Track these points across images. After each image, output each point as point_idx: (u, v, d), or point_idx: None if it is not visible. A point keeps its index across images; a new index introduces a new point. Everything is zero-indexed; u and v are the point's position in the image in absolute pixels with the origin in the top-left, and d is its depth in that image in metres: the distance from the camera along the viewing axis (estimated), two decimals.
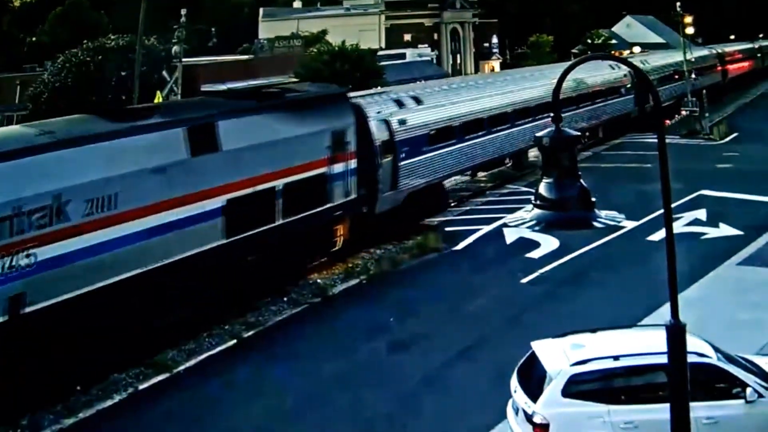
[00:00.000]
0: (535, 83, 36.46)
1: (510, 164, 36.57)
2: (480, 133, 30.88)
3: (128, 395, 15.64)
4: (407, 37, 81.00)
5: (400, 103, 26.39)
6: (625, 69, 44.31)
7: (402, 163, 25.41)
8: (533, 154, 35.65)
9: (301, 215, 20.86)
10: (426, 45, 77.08)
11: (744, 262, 21.24)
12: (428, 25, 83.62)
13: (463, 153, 29.73)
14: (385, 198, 24.69)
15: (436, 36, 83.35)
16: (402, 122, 25.67)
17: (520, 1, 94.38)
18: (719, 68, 71.75)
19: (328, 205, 22.08)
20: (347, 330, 18.36)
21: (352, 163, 22.99)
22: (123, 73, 37.05)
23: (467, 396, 14.54)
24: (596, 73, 42.01)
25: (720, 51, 74.57)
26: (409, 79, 43.51)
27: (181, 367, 16.78)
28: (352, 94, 25.57)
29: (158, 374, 16.43)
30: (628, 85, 46.00)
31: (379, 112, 24.99)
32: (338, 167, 22.36)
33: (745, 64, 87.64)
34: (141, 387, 15.96)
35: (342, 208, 22.65)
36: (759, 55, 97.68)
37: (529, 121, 34.36)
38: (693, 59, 58.43)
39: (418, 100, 27.51)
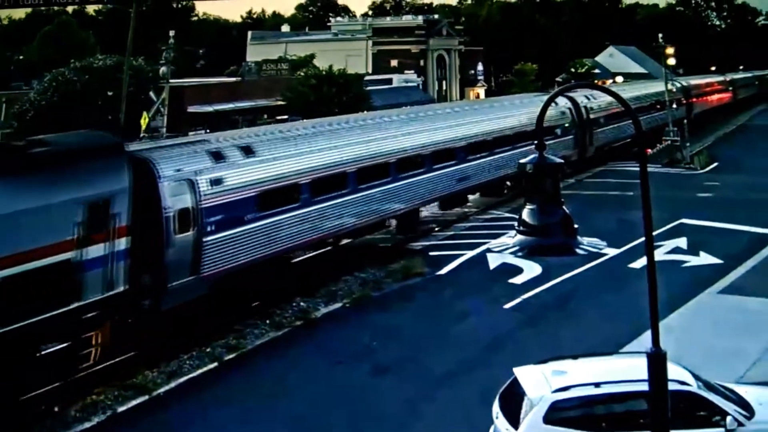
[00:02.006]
0: (446, 124, 31.01)
1: (393, 228, 29.58)
2: (343, 191, 24.15)
3: (107, 417, 15.52)
4: (394, 62, 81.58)
5: (217, 156, 20.29)
6: (564, 105, 39.98)
7: (210, 238, 19.26)
8: (429, 212, 32.77)
9: (23, 323, 15.08)
10: (412, 71, 77.59)
11: (724, 291, 21.34)
12: (415, 51, 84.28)
13: (315, 218, 22.99)
14: (177, 288, 18.50)
15: (422, 62, 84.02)
16: (216, 182, 19.67)
17: (506, 29, 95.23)
18: (684, 102, 65.64)
19: (75, 305, 16.15)
20: (330, 354, 18.26)
21: (122, 243, 17.08)
22: (110, 93, 37.02)
23: (449, 421, 14.48)
24: (523, 112, 36.61)
25: (685, 84, 68.58)
26: (396, 104, 43.48)
27: (161, 390, 16.66)
28: (144, 146, 20.80)
29: (138, 396, 16.32)
30: (566, 124, 40.47)
31: (179, 170, 18.94)
32: (95, 250, 16.50)
33: (715, 97, 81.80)
34: (120, 409, 15.83)
35: (99, 306, 16.70)
36: (731, 88, 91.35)
37: (422, 172, 28.35)
38: (648, 93, 55.84)
39: (248, 151, 21.38)
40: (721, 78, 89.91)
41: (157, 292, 18.17)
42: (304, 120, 29.09)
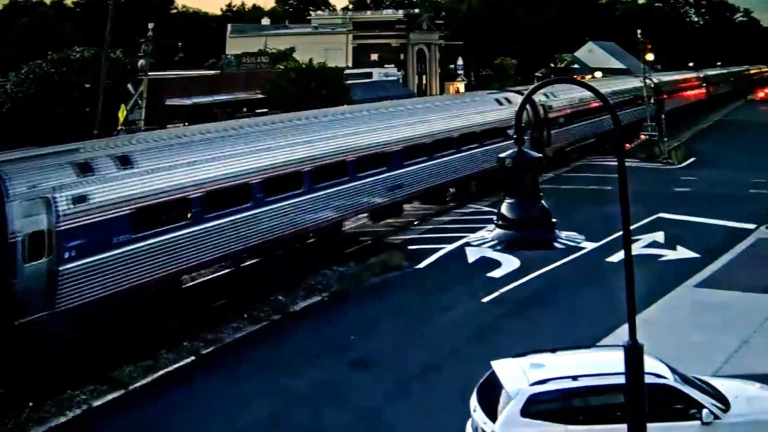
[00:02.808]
0: (376, 126, 27.88)
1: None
2: (245, 206, 21.24)
3: (82, 412, 15.39)
4: (374, 56, 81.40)
5: (85, 168, 17.62)
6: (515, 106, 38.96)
7: (68, 266, 16.70)
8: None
9: None
10: (392, 65, 77.43)
11: (701, 285, 21.48)
12: (395, 45, 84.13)
13: (208, 237, 20.03)
14: (27, 325, 16.18)
15: (402, 56, 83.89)
16: (80, 199, 17.11)
17: (486, 24, 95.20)
18: (654, 100, 61.72)
19: None
20: (308, 347, 18.21)
21: None
22: (87, 86, 36.65)
23: (427, 414, 14.48)
24: (472, 111, 34.47)
25: (656, 81, 64.97)
26: (375, 98, 43.21)
27: (138, 384, 16.53)
28: None
29: (114, 391, 16.19)
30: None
31: (33, 186, 16.45)
32: None
33: (688, 94, 79.31)
34: (96, 404, 15.69)
35: None
36: (704, 84, 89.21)
37: (344, 181, 24.88)
38: (618, 90, 53.72)
39: (124, 161, 18.60)
40: (694, 74, 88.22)
41: (2, 330, 15.79)
42: (210, 124, 25.32)
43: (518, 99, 36.52)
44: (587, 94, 44.25)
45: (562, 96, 43.75)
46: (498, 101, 36.65)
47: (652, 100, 57.08)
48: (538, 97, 39.92)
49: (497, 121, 35.28)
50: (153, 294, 19.00)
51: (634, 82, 59.28)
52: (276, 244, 23.01)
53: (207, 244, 19.99)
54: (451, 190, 33.67)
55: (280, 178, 22.42)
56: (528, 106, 35.84)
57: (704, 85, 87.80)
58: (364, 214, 28.52)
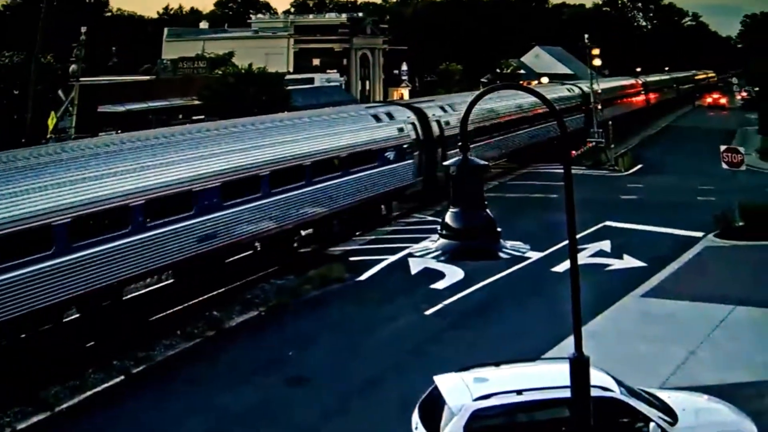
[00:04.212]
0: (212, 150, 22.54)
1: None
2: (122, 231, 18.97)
3: None
4: (316, 61, 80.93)
5: None
6: (404, 119, 32.26)
7: None
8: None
9: None
10: (335, 70, 77.03)
11: (648, 294, 21.26)
12: (338, 50, 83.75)
13: (73, 271, 17.83)
14: None
15: (345, 61, 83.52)
16: None
17: (431, 29, 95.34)
18: (584, 110, 57.60)
19: None
20: (244, 364, 17.66)
21: None
22: (16, 92, 35.53)
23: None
24: (337, 131, 28.34)
25: (586, 89, 59.53)
26: (317, 105, 42.48)
27: (64, 405, 15.94)
28: None
29: (38, 413, 15.61)
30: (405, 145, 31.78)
31: None
32: None
33: (624, 102, 74.09)
34: (19, 427, 15.15)
35: None
36: (643, 92, 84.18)
37: (182, 217, 20.76)
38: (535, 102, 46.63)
39: None
40: (632, 81, 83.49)
41: None
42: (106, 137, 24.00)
43: (404, 114, 32.61)
44: (499, 105, 41.62)
45: (464, 109, 39.65)
46: (376, 117, 31.02)
47: (581, 110, 55.84)
48: (432, 111, 35.15)
49: (371, 141, 29.67)
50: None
51: (561, 91, 54.59)
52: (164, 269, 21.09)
53: (70, 279, 17.79)
54: (303, 233, 26.99)
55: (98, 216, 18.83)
56: (414, 123, 32.79)
57: (642, 92, 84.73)
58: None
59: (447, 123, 35.31)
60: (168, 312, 21.13)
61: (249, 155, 23.50)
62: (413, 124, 32.78)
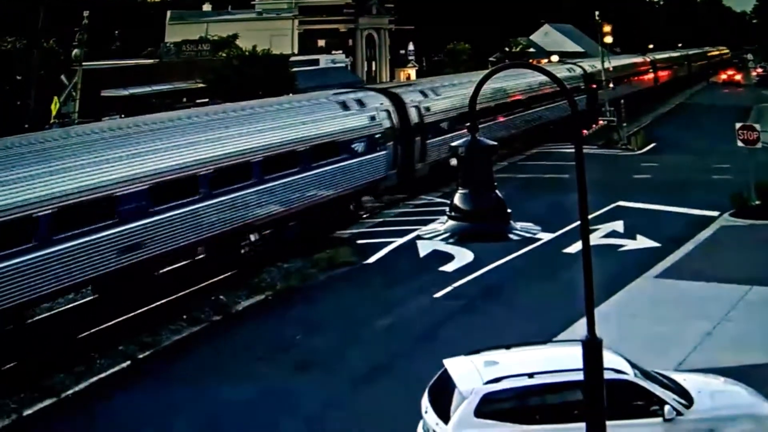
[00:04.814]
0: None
1: None
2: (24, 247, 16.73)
3: (11, 421, 14.81)
4: (321, 42, 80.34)
5: None
6: (378, 106, 29.75)
7: None
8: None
9: None
10: (340, 51, 76.59)
11: (662, 275, 20.95)
12: (343, 30, 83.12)
13: None
14: None
15: (350, 42, 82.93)
16: None
17: (438, 7, 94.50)
18: (587, 89, 53.74)
19: None
20: (250, 349, 17.50)
21: None
22: (19, 78, 35.42)
23: (376, 417, 13.87)
24: (296, 121, 25.55)
25: (588, 68, 55.72)
26: (323, 86, 41.67)
27: (70, 391, 15.90)
28: None
29: (45, 399, 15.58)
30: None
31: None
32: None
33: (634, 80, 69.62)
34: (26, 412, 15.09)
35: None
36: (652, 70, 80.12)
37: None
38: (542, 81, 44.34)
39: None
40: (641, 58, 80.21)
41: None
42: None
43: (378, 101, 30.06)
44: (486, 89, 38.34)
45: (447, 93, 35.18)
46: (344, 105, 28.17)
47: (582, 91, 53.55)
48: (411, 96, 32.59)
49: (336, 132, 26.85)
50: None
51: (561, 71, 49.69)
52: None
53: None
54: (252, 237, 23.80)
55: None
56: (389, 110, 30.23)
57: (651, 71, 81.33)
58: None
59: (427, 109, 33.01)
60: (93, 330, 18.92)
61: (185, 153, 20.87)
62: (387, 111, 30.26)
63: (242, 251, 23.44)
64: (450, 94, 35.05)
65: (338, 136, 26.81)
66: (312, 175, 25.20)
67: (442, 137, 32.76)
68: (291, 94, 33.46)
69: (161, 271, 21.15)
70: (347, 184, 27.14)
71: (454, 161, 25.64)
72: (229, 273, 22.47)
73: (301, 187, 24.69)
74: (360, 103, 29.08)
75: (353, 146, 27.42)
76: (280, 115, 25.33)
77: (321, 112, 26.93)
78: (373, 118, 29.01)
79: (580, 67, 56.64)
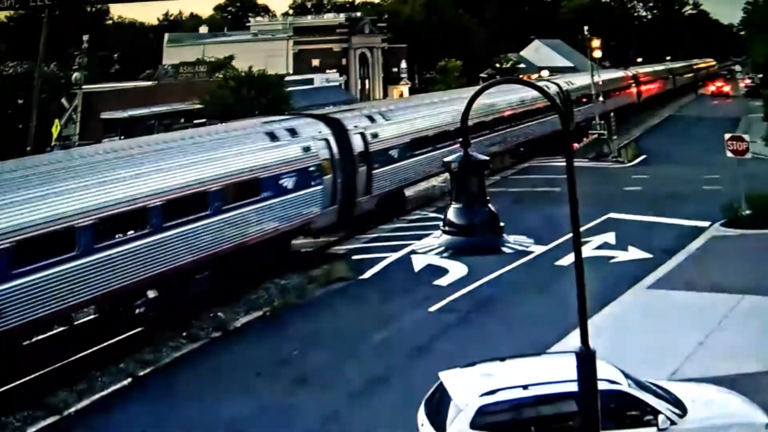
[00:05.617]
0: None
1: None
2: None
3: None
4: (315, 62, 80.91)
5: None
6: (313, 135, 26.40)
7: None
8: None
9: None
10: (334, 70, 77.09)
11: (654, 286, 21.10)
12: (337, 50, 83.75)
13: None
14: None
15: (344, 61, 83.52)
16: None
17: (429, 26, 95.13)
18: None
19: None
20: (249, 366, 17.56)
21: None
22: (20, 101, 35.62)
23: (373, 431, 13.99)
24: (213, 156, 22.16)
25: (565, 85, 53.46)
26: (317, 105, 42.09)
27: (72, 409, 15.95)
28: None
29: (48, 417, 15.64)
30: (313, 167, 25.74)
31: None
32: None
33: (614, 96, 66.99)
34: (30, 430, 15.17)
35: None
36: (634, 84, 77.25)
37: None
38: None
39: None
40: (622, 73, 76.93)
41: None
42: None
43: (314, 129, 26.85)
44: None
45: (397, 117, 32.14)
46: (272, 136, 24.81)
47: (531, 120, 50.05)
48: (355, 122, 29.35)
49: (260, 167, 23.40)
50: None
51: (531, 91, 43.05)
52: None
53: None
54: (150, 294, 20.28)
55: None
56: (327, 138, 26.99)
57: (633, 86, 77.67)
58: None
59: (375, 135, 29.73)
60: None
61: (62, 201, 17.47)
62: (326, 139, 26.83)
63: (136, 311, 19.91)
64: (401, 118, 32.25)
65: (260, 171, 23.30)
66: (225, 219, 21.70)
67: (392, 166, 30.48)
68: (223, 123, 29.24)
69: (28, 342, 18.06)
70: (271, 227, 23.62)
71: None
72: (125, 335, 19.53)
73: (211, 232, 21.27)
74: (292, 132, 25.73)
75: (281, 182, 24.07)
76: (191, 152, 21.85)
77: (242, 145, 23.50)
78: (307, 148, 25.63)
79: (555, 84, 53.00)
